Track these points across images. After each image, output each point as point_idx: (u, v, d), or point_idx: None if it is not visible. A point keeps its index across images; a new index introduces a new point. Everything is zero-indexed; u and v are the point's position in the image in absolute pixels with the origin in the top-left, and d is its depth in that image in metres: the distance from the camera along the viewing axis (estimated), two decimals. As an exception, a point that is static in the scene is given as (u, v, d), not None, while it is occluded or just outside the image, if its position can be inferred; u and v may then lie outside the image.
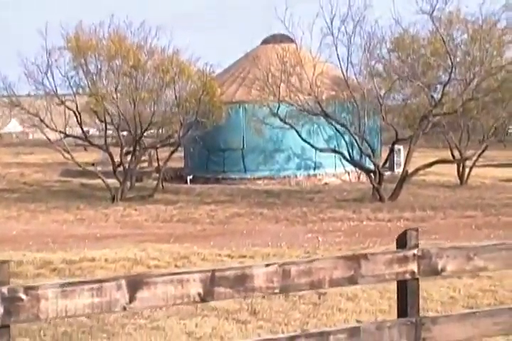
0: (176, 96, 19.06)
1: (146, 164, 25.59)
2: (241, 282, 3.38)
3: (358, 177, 22.42)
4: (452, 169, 22.13)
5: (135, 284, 3.11)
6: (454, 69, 18.68)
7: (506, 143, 38.71)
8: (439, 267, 3.93)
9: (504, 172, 25.45)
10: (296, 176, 22.85)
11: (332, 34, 17.95)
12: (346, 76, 18.44)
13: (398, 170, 21.99)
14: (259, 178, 22.77)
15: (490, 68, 18.23)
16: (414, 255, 3.86)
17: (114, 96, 18.38)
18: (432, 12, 16.89)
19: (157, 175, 22.22)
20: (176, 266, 9.47)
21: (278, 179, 22.76)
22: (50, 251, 10.72)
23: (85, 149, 28.12)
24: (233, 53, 23.18)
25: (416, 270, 3.86)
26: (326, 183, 22.47)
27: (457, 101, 18.44)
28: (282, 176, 22.79)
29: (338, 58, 18.21)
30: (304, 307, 7.00)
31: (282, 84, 18.23)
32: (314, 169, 22.97)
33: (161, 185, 20.79)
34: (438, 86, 20.15)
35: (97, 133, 25.60)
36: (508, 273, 8.25)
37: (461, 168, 21.42)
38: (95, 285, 3.01)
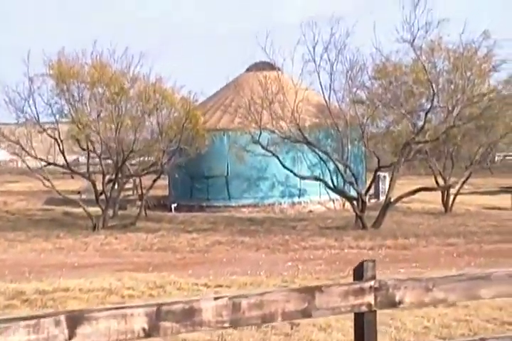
0: (158, 124, 19.03)
1: (130, 192, 25.47)
2: (188, 316, 3.30)
3: (343, 205, 22.35)
4: (437, 196, 22.13)
5: (75, 319, 3.02)
6: (436, 96, 18.79)
7: (493, 170, 38.87)
8: (397, 299, 3.86)
9: (489, 199, 25.49)
10: (280, 204, 22.77)
11: (314, 61, 18.06)
12: (329, 103, 18.49)
13: (383, 198, 21.97)
14: (243, 206, 22.67)
15: (472, 96, 18.32)
16: (370, 287, 3.79)
17: (96, 123, 18.30)
18: (413, 41, 17.01)
19: (146, 203, 22.17)
20: (150, 295, 9.34)
21: (262, 207, 22.68)
22: (25, 281, 10.55)
23: (72, 177, 27.99)
24: (217, 81, 23.17)
25: (373, 302, 3.79)
26: (310, 211, 22.40)
27: (439, 129, 18.49)
28: (267, 204, 22.71)
29: (321, 85, 18.31)
30: (274, 338, 6.88)
31: (264, 112, 18.25)
32: (299, 196, 22.91)
33: (144, 213, 20.68)
34: (421, 113, 20.22)
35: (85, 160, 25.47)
36: (484, 302, 8.18)
37: (445, 196, 21.39)
38: (32, 322, 2.92)
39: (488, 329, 7.31)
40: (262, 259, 13.37)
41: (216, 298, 3.39)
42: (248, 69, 23.90)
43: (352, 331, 7.32)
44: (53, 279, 10.63)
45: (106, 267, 12.35)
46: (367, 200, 23.69)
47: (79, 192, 24.35)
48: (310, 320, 7.31)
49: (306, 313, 3.62)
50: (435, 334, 7.04)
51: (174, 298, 3.90)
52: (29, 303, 8.76)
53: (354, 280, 3.89)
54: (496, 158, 39.45)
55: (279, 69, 20.94)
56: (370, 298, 3.77)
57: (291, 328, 7.30)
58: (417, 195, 23.51)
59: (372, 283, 3.80)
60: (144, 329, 3.17)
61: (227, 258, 13.46)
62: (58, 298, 9.02)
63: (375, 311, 3.84)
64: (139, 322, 3.16)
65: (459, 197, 23.27)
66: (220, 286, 10.08)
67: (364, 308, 3.77)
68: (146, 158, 22.06)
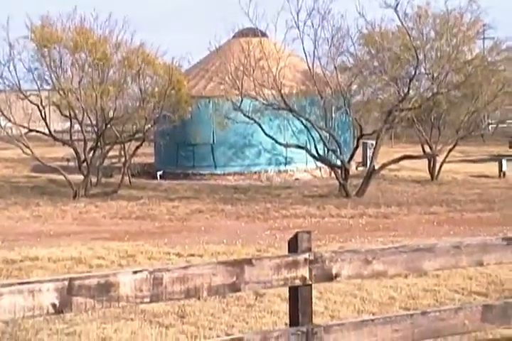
0: (141, 90, 18.75)
1: (117, 159, 25.26)
2: (104, 291, 3.14)
3: (330, 173, 22.18)
4: (426, 164, 21.95)
5: (-24, 295, 2.87)
6: (423, 63, 18.55)
7: (486, 138, 38.66)
8: (334, 272, 3.71)
9: (478, 167, 25.35)
10: (266, 171, 22.62)
11: (298, 27, 17.73)
12: (313, 70, 18.21)
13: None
14: (229, 174, 22.52)
15: (457, 63, 18.06)
16: (305, 260, 3.64)
17: (78, 90, 18.01)
18: (396, 6, 16.70)
19: (131, 170, 22.00)
20: (119, 265, 9.24)
21: (248, 174, 22.52)
22: (-5, 250, 10.43)
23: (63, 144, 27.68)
24: (204, 48, 22.75)
25: (307, 275, 3.64)
26: (296, 179, 22.26)
27: (425, 96, 18.26)
28: (253, 172, 22.55)
29: (304, 52, 18.02)
30: (235, 310, 6.78)
31: (247, 79, 17.95)
32: (285, 164, 22.75)
33: (128, 181, 20.53)
34: (407, 80, 19.96)
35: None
36: (457, 272, 8.08)
37: (431, 164, 21.23)
38: None
39: (455, 299, 7.22)
40: (241, 228, 13.27)
41: (135, 272, 3.24)
42: (234, 36, 23.53)
43: (316, 302, 7.27)
44: (24, 248, 10.51)
45: (82, 236, 12.24)
46: (355, 168, 23.67)
47: (68, 160, 24.13)
48: (276, 291, 7.21)
49: (234, 287, 3.47)
50: (400, 305, 6.95)
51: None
52: (-5, 272, 8.65)
53: (288, 252, 3.74)
54: (490, 127, 39.18)
55: (265, 36, 20.63)
56: (304, 271, 3.62)
57: (256, 298, 7.20)
58: (406, 163, 23.39)
59: (306, 255, 3.65)
60: (53, 305, 3.02)
61: (206, 227, 13.35)
62: (25, 268, 8.92)
63: (311, 285, 3.69)
64: (48, 298, 3.00)
65: (447, 165, 23.10)
66: (192, 255, 9.98)
67: (298, 282, 3.62)
68: (129, 126, 21.78)
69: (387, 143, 34.48)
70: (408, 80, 17.69)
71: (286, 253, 3.70)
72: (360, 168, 23.64)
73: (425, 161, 21.64)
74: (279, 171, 22.74)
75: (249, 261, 3.51)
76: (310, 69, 18.19)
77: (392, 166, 22.17)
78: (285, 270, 3.58)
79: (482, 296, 7.29)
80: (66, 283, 3.04)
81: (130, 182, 20.71)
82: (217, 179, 22.35)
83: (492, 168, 23.20)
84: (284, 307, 6.99)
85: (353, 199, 16.88)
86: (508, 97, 20.86)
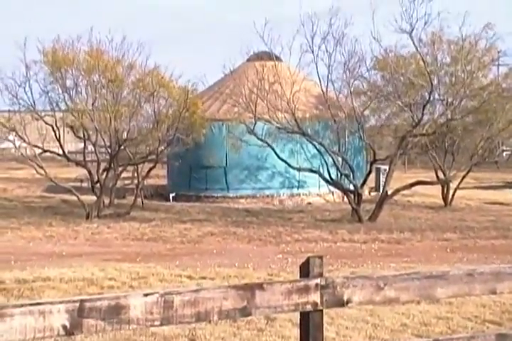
0: (154, 112, 18.86)
1: (130, 181, 25.35)
2: (115, 313, 3.14)
3: (343, 198, 22.15)
4: (439, 190, 21.86)
5: (-13, 316, 2.87)
6: (437, 89, 18.56)
7: (500, 165, 38.46)
8: (345, 298, 3.68)
9: (492, 194, 25.23)
10: (279, 195, 22.60)
11: (312, 51, 17.83)
12: (326, 94, 18.27)
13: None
14: (241, 197, 22.53)
15: (471, 89, 18.06)
16: (316, 285, 3.62)
17: (92, 111, 18.15)
18: (411, 31, 16.75)
19: (144, 192, 22.06)
20: (131, 286, 9.21)
21: (260, 198, 22.52)
22: (7, 270, 10.44)
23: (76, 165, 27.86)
24: (219, 71, 22.88)
25: (319, 301, 3.62)
26: (309, 203, 22.22)
27: (439, 122, 18.25)
28: (265, 195, 22.54)
29: (318, 76, 18.10)
30: (246, 334, 6.73)
31: (261, 102, 18.03)
32: (298, 188, 22.73)
33: (141, 203, 20.57)
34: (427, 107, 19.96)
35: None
36: (470, 300, 8.01)
37: (445, 190, 21.14)
38: None
39: (468, 327, 7.14)
40: (253, 251, 13.23)
41: (146, 295, 3.23)
42: (249, 60, 23.69)
43: (328, 327, 7.22)
44: (37, 268, 10.52)
45: (93, 257, 12.24)
46: (368, 193, 23.61)
47: (81, 180, 24.25)
48: (287, 316, 7.17)
49: (245, 312, 3.45)
50: (412, 332, 6.88)
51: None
52: (6, 292, 8.65)
53: (300, 277, 3.72)
54: (505, 153, 39.00)
55: (279, 60, 20.75)
56: (315, 297, 3.60)
57: (267, 323, 7.15)
58: (419, 189, 23.32)
59: (318, 280, 3.62)
60: (64, 327, 3.02)
61: (218, 250, 13.32)
62: (36, 288, 8.91)
63: (322, 310, 3.67)
64: (59, 320, 3.00)
65: (461, 191, 23.00)
66: (204, 278, 9.95)
67: (309, 307, 3.59)
68: (147, 147, 21.88)
69: (400, 168, 34.49)
70: (422, 106, 17.67)
71: (298, 278, 3.69)
72: (373, 193, 23.59)
73: (438, 187, 21.56)
74: (292, 195, 22.72)
75: (260, 286, 3.50)
76: (324, 94, 18.24)
77: (406, 192, 22.10)
78: (296, 295, 3.56)
79: (496, 325, 7.20)
80: (77, 304, 3.04)
81: (143, 203, 20.75)
82: (229, 202, 22.35)
83: (506, 195, 23.13)
84: (295, 332, 6.93)
85: (366, 224, 16.81)
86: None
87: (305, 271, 3.68)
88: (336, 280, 3.68)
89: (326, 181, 18.42)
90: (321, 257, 3.73)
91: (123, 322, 3.15)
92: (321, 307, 3.63)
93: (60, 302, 3.02)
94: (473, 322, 7.32)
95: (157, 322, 3.24)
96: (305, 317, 3.67)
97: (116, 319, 3.13)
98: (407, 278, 3.83)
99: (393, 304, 7.68)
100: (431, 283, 3.87)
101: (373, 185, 24.67)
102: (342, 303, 3.68)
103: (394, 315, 7.51)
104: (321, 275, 3.68)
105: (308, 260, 3.68)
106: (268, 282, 3.61)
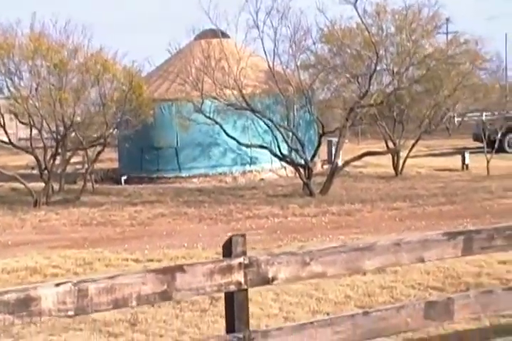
0: (100, 96, 18.52)
1: (81, 166, 24.97)
2: (24, 306, 3.02)
3: (295, 172, 22.12)
4: (391, 160, 21.96)
5: None
6: (384, 59, 18.59)
7: (452, 132, 38.97)
8: (270, 275, 3.63)
9: (442, 161, 25.54)
10: (231, 172, 22.51)
11: (258, 27, 17.65)
12: (273, 69, 18.15)
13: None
14: (194, 176, 22.37)
15: (417, 58, 18.12)
16: (240, 264, 3.55)
17: (35, 97, 17.75)
18: (356, 2, 16.68)
19: (95, 176, 21.75)
20: (75, 273, 9.07)
21: (213, 176, 22.39)
22: (-51, 263, 10.18)
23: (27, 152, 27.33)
24: (166, 51, 22.45)
25: (242, 280, 3.55)
26: (262, 179, 22.17)
27: (386, 92, 18.30)
28: (218, 173, 22.43)
29: (265, 51, 17.95)
30: (189, 315, 6.66)
31: (208, 80, 17.84)
32: (250, 164, 22.64)
33: (91, 187, 20.28)
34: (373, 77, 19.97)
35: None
36: (415, 267, 8.04)
37: (395, 159, 21.27)
38: None
39: (411, 295, 7.19)
40: (203, 231, 13.13)
41: (58, 284, 3.12)
42: (196, 38, 23.38)
43: (272, 304, 7.18)
44: (-20, 260, 10.28)
45: (40, 245, 12.00)
46: (320, 166, 23.66)
47: (32, 167, 23.78)
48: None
49: (165, 296, 3.37)
50: (355, 304, 6.89)
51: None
52: None
53: (223, 257, 3.65)
54: (456, 120, 39.51)
55: (225, 36, 20.53)
56: (239, 276, 3.53)
57: (211, 303, 7.09)
58: (372, 159, 23.44)
59: (241, 259, 3.56)
60: (-33, 324, 2.90)
61: (168, 231, 13.19)
62: (-23, 280, 8.71)
63: (246, 290, 3.60)
64: (-39, 316, 2.88)
65: (413, 160, 23.20)
66: (151, 261, 9.86)
67: (233, 287, 3.53)
68: (97, 131, 21.53)
69: (353, 140, 34.71)
70: (369, 76, 17.66)
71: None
72: (326, 166, 23.62)
73: (390, 157, 21.70)
74: (245, 171, 22.63)
75: (180, 268, 3.41)
76: (271, 68, 18.13)
77: (358, 163, 22.21)
78: (219, 275, 3.49)
79: (438, 291, 7.27)
80: (-19, 299, 2.92)
81: (93, 188, 20.45)
82: (182, 182, 22.18)
83: (456, 161, 23.37)
84: (240, 310, 6.91)
85: (317, 197, 16.82)
86: (467, 91, 20.98)
87: (227, 250, 3.61)
88: (259, 258, 3.62)
89: (277, 156, 18.38)
90: (243, 235, 3.66)
91: (33, 314, 3.04)
92: (245, 287, 3.56)
93: (-37, 298, 2.89)
94: (417, 289, 7.38)
95: (71, 312, 3.14)
96: (229, 297, 3.60)
97: (26, 312, 3.02)
98: (333, 252, 3.78)
99: (340, 276, 7.70)
100: (358, 256, 3.83)
101: (326, 158, 24.70)
102: (267, 281, 3.62)
103: (338, 287, 7.51)
104: (244, 254, 3.61)
105: (230, 239, 3.61)
106: (189, 263, 3.52)
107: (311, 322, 3.72)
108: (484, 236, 4.06)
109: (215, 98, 17.65)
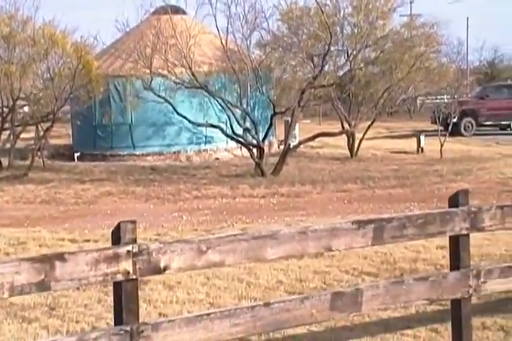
0: (48, 70, 18.07)
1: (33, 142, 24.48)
2: None
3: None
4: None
5: None
6: (340, 40, 18.44)
7: (414, 114, 39.13)
8: (162, 264, 3.42)
9: (400, 143, 25.50)
10: (186, 151, 22.22)
11: (210, 3, 17.35)
12: (226, 46, 17.86)
13: (294, 143, 21.60)
14: (148, 154, 22.04)
15: (372, 39, 17.98)
16: (128, 252, 3.33)
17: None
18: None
19: (47, 152, 21.34)
20: (6, 253, 8.78)
21: (168, 154, 22.08)
22: None
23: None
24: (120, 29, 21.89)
25: (131, 269, 3.34)
26: (216, 158, 21.93)
27: (339, 73, 18.16)
28: (172, 152, 22.13)
29: (217, 28, 17.65)
30: (112, 300, 6.43)
31: (158, 57, 17.48)
32: (205, 144, 22.36)
33: (42, 164, 19.88)
34: (326, 58, 19.78)
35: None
36: (353, 251, 7.89)
37: (350, 141, 21.18)
38: None
39: (344, 280, 7.05)
40: (148, 210, 12.89)
41: None
42: (155, 14, 22.89)
43: (200, 288, 6.98)
44: None
45: (-22, 223, 11.65)
46: (277, 147, 23.47)
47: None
48: (161, 277, 6.91)
49: (42, 286, 3.14)
50: (286, 289, 6.73)
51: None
52: None
53: (112, 244, 3.42)
54: (418, 102, 39.68)
55: (179, 13, 20.15)
56: (127, 265, 3.32)
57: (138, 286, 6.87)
58: (329, 140, 23.29)
59: (130, 247, 3.34)
60: None
61: (112, 210, 12.91)
62: None
63: (136, 279, 3.39)
64: None
65: (370, 141, 23.14)
66: (88, 241, 9.58)
67: (120, 277, 3.31)
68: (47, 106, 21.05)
69: (315, 120, 34.58)
70: (322, 57, 17.46)
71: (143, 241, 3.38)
72: (282, 147, 23.43)
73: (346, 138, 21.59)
74: (200, 151, 22.36)
75: (61, 257, 3.18)
76: (223, 46, 17.83)
77: (315, 144, 22.09)
78: (105, 264, 3.27)
79: (372, 276, 7.15)
80: None
81: (44, 164, 20.04)
82: (136, 160, 21.83)
83: (413, 143, 23.34)
84: (164, 295, 6.70)
85: (269, 178, 16.64)
86: (421, 73, 20.91)
87: (116, 237, 3.39)
88: (150, 246, 3.41)
89: (228, 136, 18.15)
90: (133, 221, 3.44)
91: None
92: (133, 276, 3.35)
93: None
94: (350, 274, 7.25)
95: None
96: (117, 287, 3.38)
97: None
98: (233, 240, 3.58)
99: (275, 260, 7.54)
100: (260, 244, 3.64)
101: (283, 138, 24.51)
102: (159, 271, 3.42)
103: (272, 271, 7.35)
104: (133, 241, 3.39)
105: (119, 225, 3.38)
106: (71, 252, 3.29)
107: (208, 314, 3.53)
108: (396, 225, 3.90)
109: (164, 76, 17.30)
